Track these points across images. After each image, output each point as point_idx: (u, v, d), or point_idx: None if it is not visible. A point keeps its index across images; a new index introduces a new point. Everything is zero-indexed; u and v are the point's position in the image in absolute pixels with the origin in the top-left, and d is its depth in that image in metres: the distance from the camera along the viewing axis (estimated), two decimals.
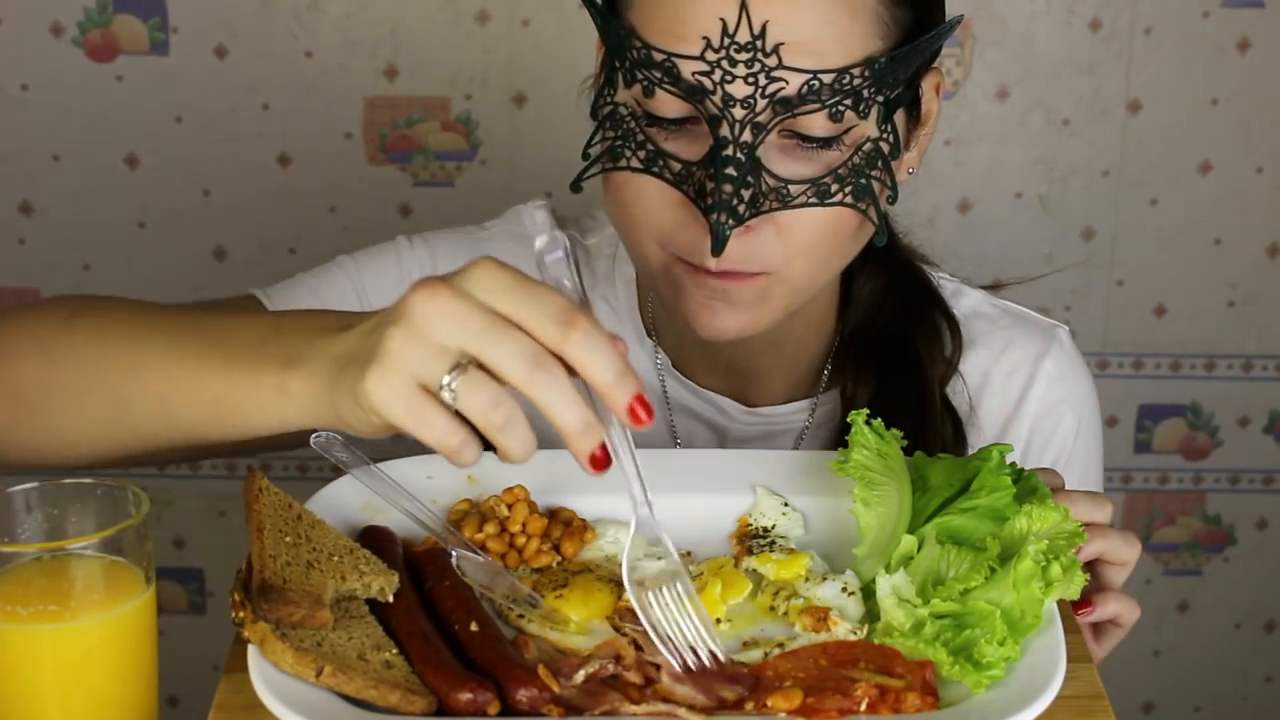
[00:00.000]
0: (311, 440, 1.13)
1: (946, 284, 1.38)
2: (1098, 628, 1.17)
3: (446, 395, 0.88)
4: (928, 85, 1.21)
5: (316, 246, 2.07)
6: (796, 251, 1.16)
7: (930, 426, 1.29)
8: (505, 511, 1.12)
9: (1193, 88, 2.08)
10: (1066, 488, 1.14)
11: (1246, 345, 2.19)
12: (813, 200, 1.13)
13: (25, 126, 2.06)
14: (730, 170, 1.10)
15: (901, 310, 1.34)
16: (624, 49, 1.13)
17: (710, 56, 1.10)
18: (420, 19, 2.03)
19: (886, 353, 1.32)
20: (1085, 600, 1.11)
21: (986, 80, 2.06)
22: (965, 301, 1.37)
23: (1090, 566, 1.12)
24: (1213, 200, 2.12)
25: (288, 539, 1.02)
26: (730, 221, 1.11)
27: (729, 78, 1.10)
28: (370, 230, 1.97)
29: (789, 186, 1.12)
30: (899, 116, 1.17)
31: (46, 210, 2.09)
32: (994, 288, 1.42)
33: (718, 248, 1.11)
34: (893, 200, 1.17)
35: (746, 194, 1.11)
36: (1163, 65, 2.06)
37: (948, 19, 1.19)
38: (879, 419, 1.13)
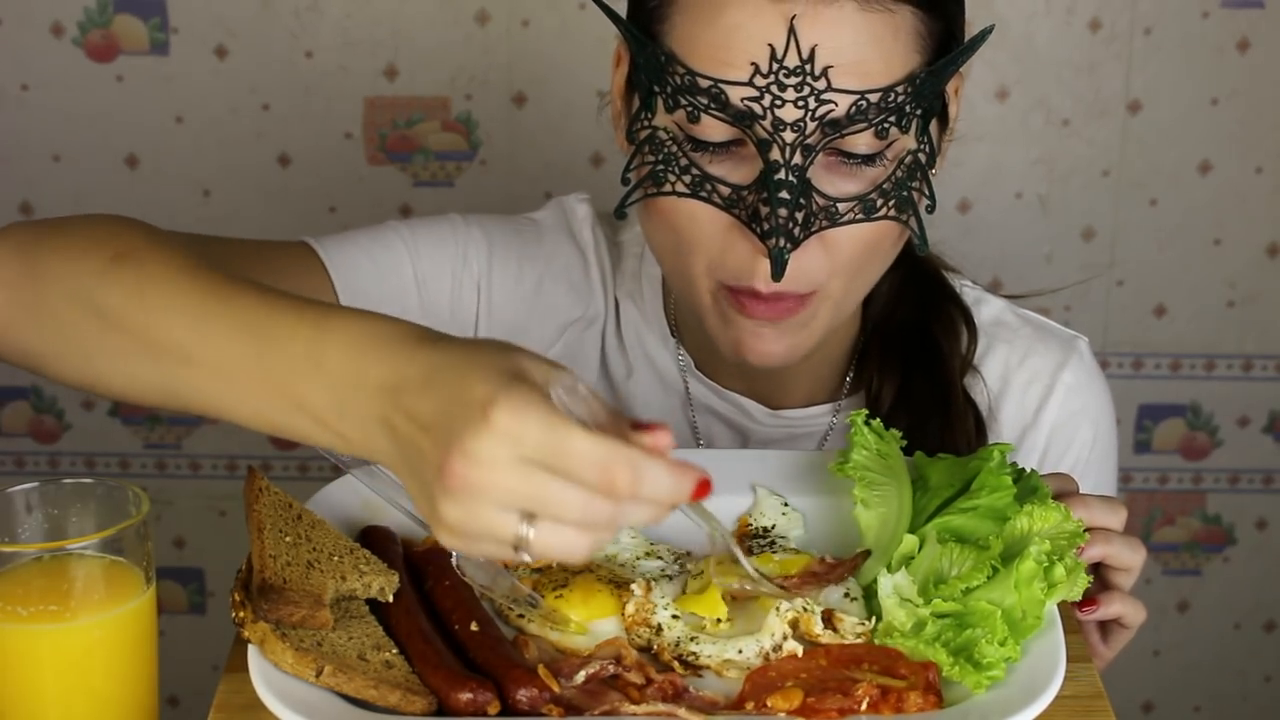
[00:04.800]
0: None
1: (969, 291, 1.38)
2: (1104, 629, 1.18)
3: (525, 556, 0.84)
4: (950, 90, 1.22)
5: None
6: (841, 267, 1.16)
7: (955, 418, 1.30)
8: None
9: (1193, 88, 2.07)
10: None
11: (1246, 345, 2.19)
12: (860, 216, 1.14)
13: (25, 126, 2.06)
14: (784, 194, 1.11)
15: (918, 304, 1.35)
16: (664, 75, 1.13)
17: (759, 82, 1.10)
18: (420, 19, 2.03)
19: (908, 346, 1.33)
20: (1090, 599, 1.12)
21: (986, 80, 2.06)
22: (987, 310, 1.38)
23: (1096, 569, 1.12)
24: (1213, 200, 2.12)
25: (288, 539, 1.02)
26: (789, 246, 1.11)
27: (779, 102, 1.10)
28: None
29: (837, 205, 1.13)
30: (933, 125, 1.17)
31: (46, 210, 2.08)
32: (1011, 298, 1.43)
33: (778, 273, 1.11)
34: (931, 209, 1.17)
35: (800, 215, 1.11)
36: (1162, 65, 2.06)
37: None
38: (878, 419, 1.13)
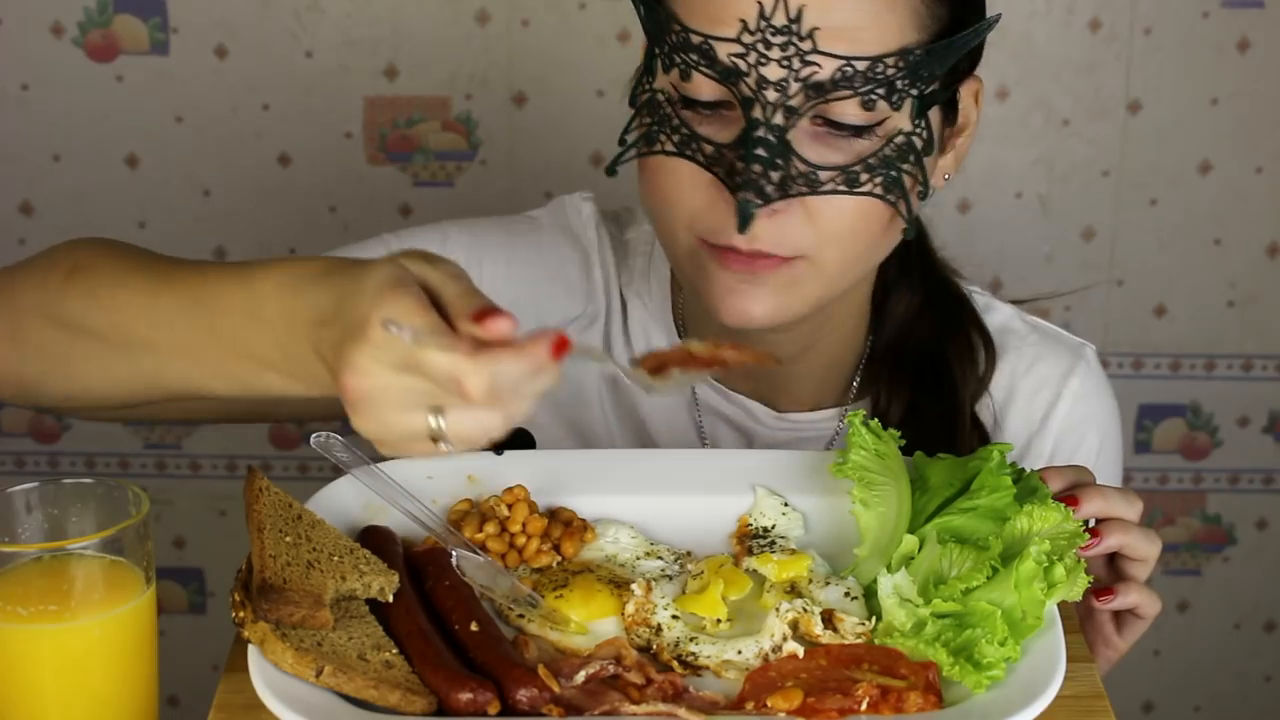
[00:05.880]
0: (311, 440, 1.13)
1: (977, 298, 1.38)
2: (1120, 619, 1.18)
3: (444, 447, 0.90)
4: (966, 92, 1.22)
5: (317, 247, 2.07)
6: (829, 238, 1.16)
7: (960, 445, 1.30)
8: (505, 511, 1.12)
9: (1193, 88, 2.07)
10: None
11: (1246, 345, 2.19)
12: (841, 188, 1.14)
13: (25, 126, 2.06)
14: (760, 151, 1.11)
15: (936, 327, 1.34)
16: (663, 34, 1.15)
17: (746, 39, 1.11)
18: (420, 19, 2.03)
19: (919, 369, 1.33)
20: (1107, 588, 1.12)
21: (986, 80, 2.04)
22: (995, 317, 1.38)
23: (1112, 560, 1.13)
24: (1213, 200, 2.12)
25: (288, 539, 1.02)
26: (757, 200, 1.11)
27: (763, 60, 1.11)
28: (371, 231, 1.97)
29: (819, 172, 1.13)
30: (934, 115, 1.17)
31: (46, 210, 2.08)
32: (1018, 303, 1.42)
33: (743, 225, 1.12)
34: (924, 196, 1.18)
35: (775, 175, 1.12)
36: (1163, 65, 2.06)
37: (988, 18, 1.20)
38: (876, 419, 1.13)
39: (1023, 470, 1.09)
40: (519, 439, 1.34)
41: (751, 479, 1.18)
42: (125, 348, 1.07)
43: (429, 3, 2.02)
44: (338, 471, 1.14)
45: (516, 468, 1.18)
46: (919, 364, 1.33)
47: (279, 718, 0.92)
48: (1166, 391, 2.21)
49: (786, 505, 1.16)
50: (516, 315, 1.36)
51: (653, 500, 1.16)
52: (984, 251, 2.11)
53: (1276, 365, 2.20)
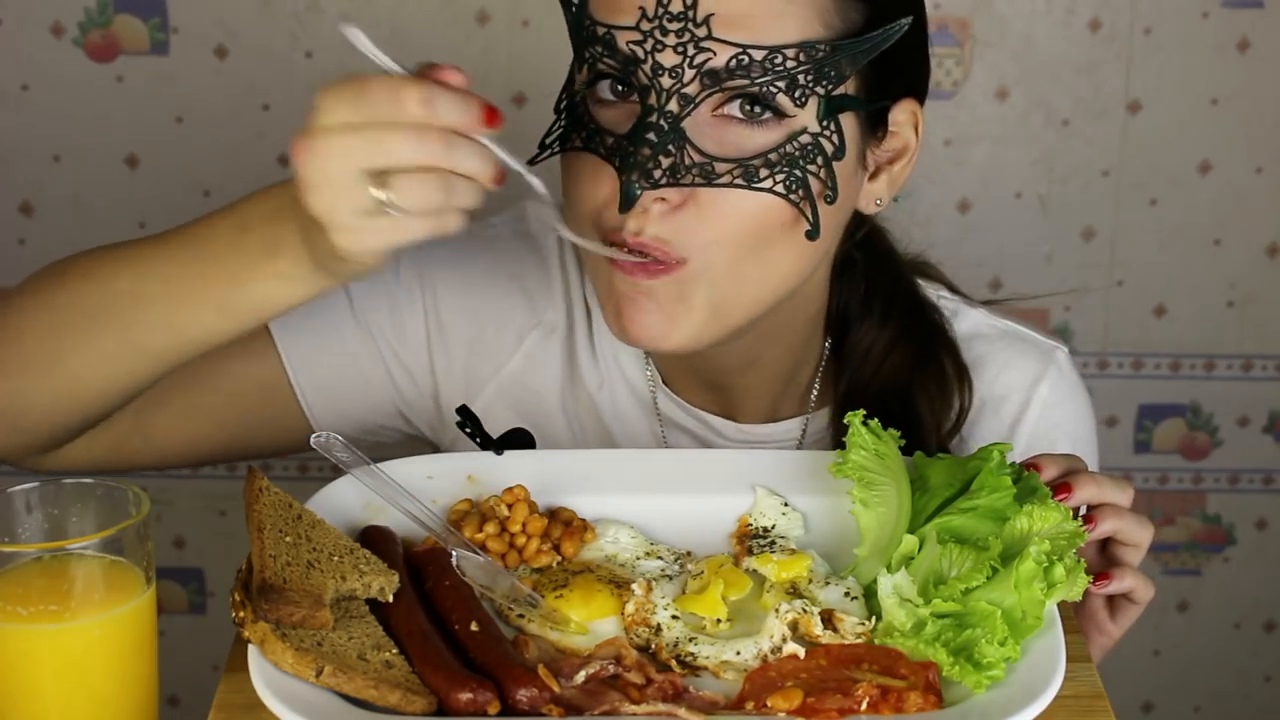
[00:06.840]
0: (311, 440, 1.13)
1: (946, 304, 1.35)
2: (1113, 606, 1.18)
3: (394, 214, 0.96)
4: (902, 114, 1.20)
5: None
6: (721, 238, 1.13)
7: None
8: (505, 511, 1.12)
9: (1193, 88, 2.08)
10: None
11: (1246, 345, 2.19)
12: (739, 182, 1.12)
13: (25, 126, 2.06)
14: (651, 136, 1.11)
15: (908, 369, 1.31)
16: (579, 32, 1.16)
17: (645, 26, 1.11)
18: (420, 19, 2.03)
19: (886, 412, 1.26)
20: (1103, 574, 1.13)
21: (986, 80, 2.06)
22: (964, 323, 1.35)
23: (1105, 545, 1.14)
24: (1213, 200, 2.12)
25: (288, 539, 1.02)
26: (641, 181, 1.10)
27: (659, 47, 1.11)
28: None
29: (715, 164, 1.12)
30: (849, 122, 1.15)
31: (46, 210, 2.08)
32: (991, 302, 1.41)
33: (624, 205, 1.10)
34: (831, 200, 1.15)
35: (665, 161, 1.11)
36: (1163, 65, 2.06)
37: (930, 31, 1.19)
38: (875, 419, 1.12)
39: (1023, 470, 1.09)
40: (519, 439, 1.34)
41: (751, 479, 1.18)
42: (112, 313, 1.11)
43: (429, 3, 2.02)
44: (338, 471, 1.14)
45: (516, 468, 1.18)
46: (885, 407, 1.26)
47: (279, 718, 0.92)
48: (1166, 391, 2.21)
49: (786, 505, 1.16)
50: (474, 324, 1.36)
51: (653, 500, 1.16)
52: (984, 251, 2.11)
53: (1276, 365, 2.20)
